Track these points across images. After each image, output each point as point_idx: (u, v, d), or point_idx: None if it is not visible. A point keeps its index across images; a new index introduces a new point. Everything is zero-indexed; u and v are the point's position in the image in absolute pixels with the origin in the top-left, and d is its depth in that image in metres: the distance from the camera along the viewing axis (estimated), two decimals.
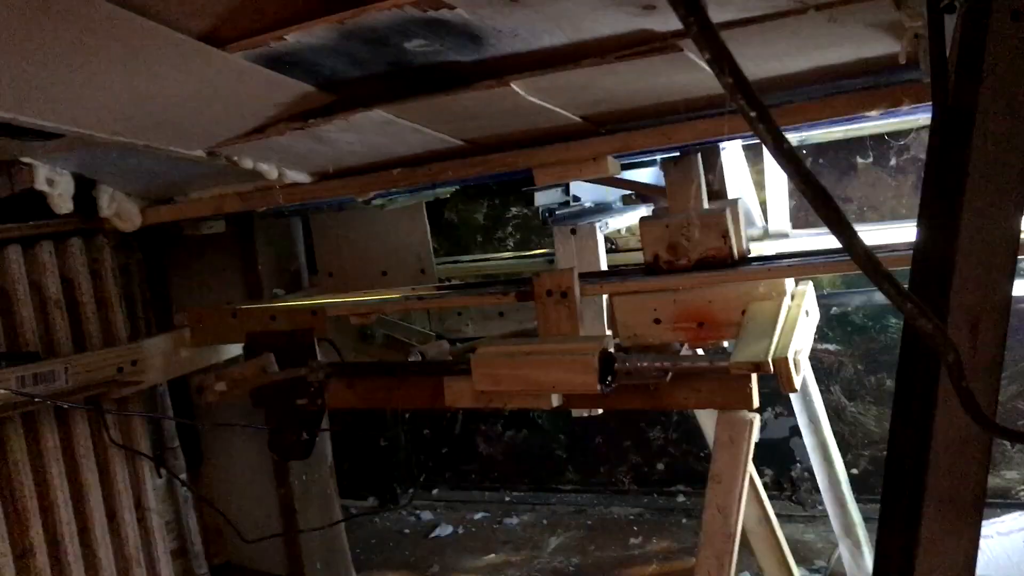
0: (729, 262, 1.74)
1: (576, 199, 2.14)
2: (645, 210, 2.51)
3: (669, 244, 1.77)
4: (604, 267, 2.07)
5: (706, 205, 1.85)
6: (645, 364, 1.68)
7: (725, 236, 1.74)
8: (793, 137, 2.19)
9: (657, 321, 1.78)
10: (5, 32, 1.22)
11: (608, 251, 2.41)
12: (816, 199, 0.65)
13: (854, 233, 0.67)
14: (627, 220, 2.39)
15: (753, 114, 0.59)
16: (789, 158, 0.62)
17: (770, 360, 1.55)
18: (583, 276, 1.88)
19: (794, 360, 1.60)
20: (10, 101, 1.45)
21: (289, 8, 1.31)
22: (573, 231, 2.05)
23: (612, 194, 2.48)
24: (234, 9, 1.29)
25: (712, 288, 1.74)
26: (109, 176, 2.09)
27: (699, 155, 1.83)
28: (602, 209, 2.37)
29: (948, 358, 0.82)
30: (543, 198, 2.14)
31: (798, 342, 1.66)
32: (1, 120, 1.50)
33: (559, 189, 2.15)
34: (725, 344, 1.84)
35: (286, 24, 1.32)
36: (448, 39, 1.36)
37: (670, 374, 1.68)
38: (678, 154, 1.82)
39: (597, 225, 2.05)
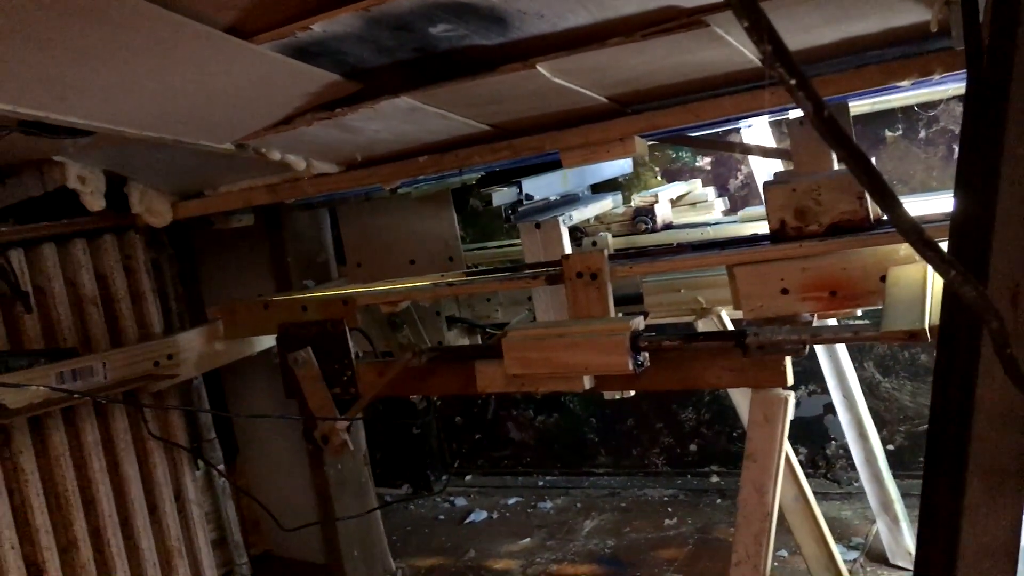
0: (866, 225, 1.62)
1: (529, 197, 2.16)
2: (611, 200, 2.53)
3: (797, 209, 1.65)
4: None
5: (835, 166, 1.75)
6: (781, 337, 1.58)
7: (861, 198, 1.62)
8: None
9: (784, 291, 1.67)
10: (35, 31, 1.24)
11: (578, 238, 2.46)
12: (858, 167, 0.64)
13: (897, 200, 0.67)
14: (594, 210, 2.41)
15: (792, 82, 0.59)
16: (830, 126, 0.61)
17: (927, 328, 1.43)
18: (613, 257, 1.88)
19: None
20: (41, 99, 1.47)
21: None
22: (537, 225, 2.08)
23: (578, 186, 2.48)
24: (259, 1, 1.30)
25: (846, 254, 1.61)
26: (139, 172, 2.11)
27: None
28: (568, 201, 2.40)
29: (992, 325, 0.81)
30: (500, 198, 2.15)
31: None
32: (32, 118, 1.52)
33: (514, 189, 2.15)
34: (859, 313, 1.76)
35: (311, 14, 1.33)
36: (473, 22, 1.36)
37: (808, 347, 1.59)
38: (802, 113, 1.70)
39: (560, 219, 2.07)
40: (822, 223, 1.64)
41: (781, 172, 1.90)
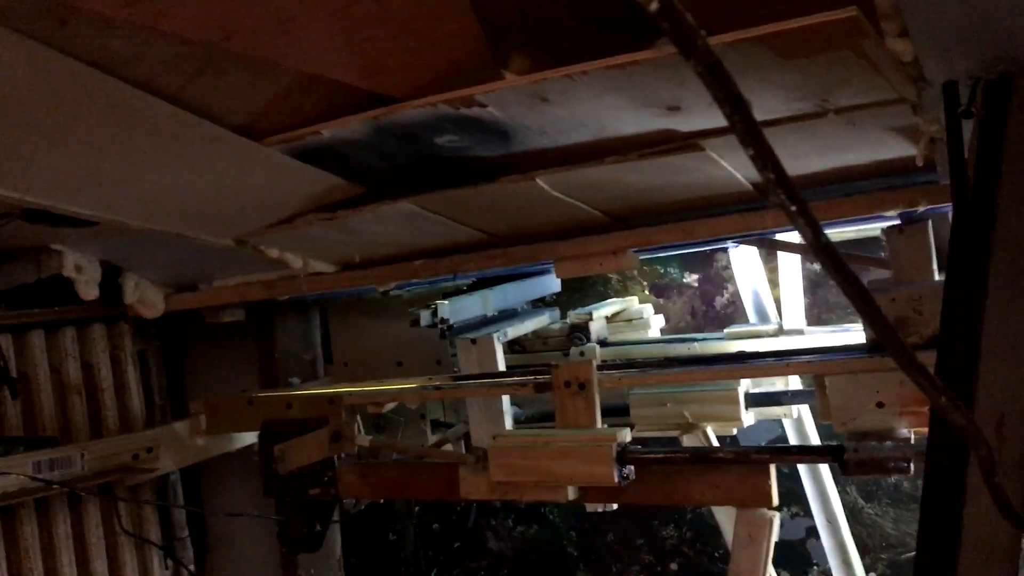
0: None
1: (444, 321, 2.21)
2: (548, 315, 2.58)
3: (897, 319, 1.61)
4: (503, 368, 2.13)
5: (936, 276, 1.73)
6: (883, 455, 1.52)
7: None
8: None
9: (880, 405, 1.60)
10: (46, 120, 1.27)
11: (516, 352, 2.50)
12: (854, 294, 0.66)
13: (891, 327, 0.69)
14: (530, 325, 2.45)
15: (793, 208, 0.61)
16: (828, 253, 0.63)
17: None
18: (600, 367, 1.89)
19: None
20: (47, 188, 1.49)
21: (324, 103, 1.36)
22: (473, 341, 2.13)
23: (500, 307, 2.51)
24: (273, 103, 1.34)
25: None
26: (136, 263, 2.13)
27: (929, 222, 1.70)
28: (506, 316, 2.46)
29: (981, 452, 0.82)
30: (425, 319, 2.17)
31: None
32: (38, 207, 1.54)
33: (429, 312, 2.18)
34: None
35: (320, 118, 1.37)
36: (477, 135, 1.40)
37: (911, 464, 1.52)
38: (899, 221, 1.71)
39: (495, 335, 2.14)
40: (923, 334, 1.59)
41: (878, 280, 1.85)
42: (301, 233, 1.77)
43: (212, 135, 1.35)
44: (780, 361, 1.78)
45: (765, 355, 1.90)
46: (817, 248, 0.64)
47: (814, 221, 0.63)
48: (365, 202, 1.66)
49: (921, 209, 1.55)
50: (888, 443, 1.55)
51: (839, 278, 0.65)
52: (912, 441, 1.60)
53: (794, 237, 2.27)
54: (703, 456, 1.70)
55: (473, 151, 1.48)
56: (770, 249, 2.46)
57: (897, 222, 1.71)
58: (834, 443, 1.64)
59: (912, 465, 1.50)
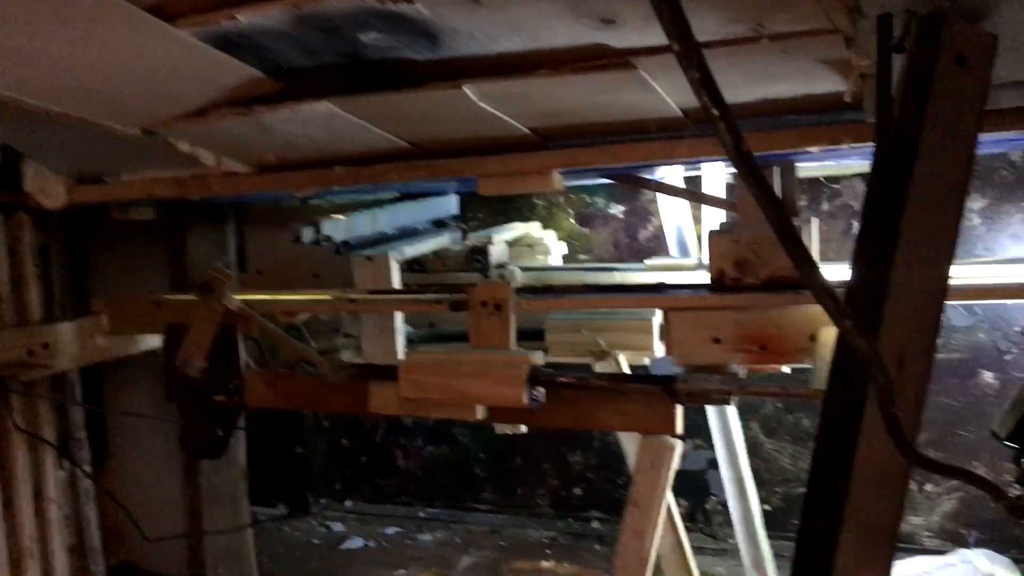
0: (801, 284, 1.63)
1: (327, 239, 2.18)
2: (448, 237, 2.57)
3: (737, 260, 1.67)
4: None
5: None
6: (710, 387, 1.58)
7: None
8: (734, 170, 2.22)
9: (716, 341, 1.68)
10: None
11: (416, 271, 2.48)
12: (766, 203, 0.65)
13: (800, 239, 0.68)
14: (431, 245, 2.44)
15: (716, 112, 0.59)
16: (747, 161, 0.62)
17: None
18: (519, 291, 1.88)
19: None
20: None
21: None
22: (369, 258, 2.12)
23: (391, 226, 2.49)
24: None
25: (781, 310, 1.63)
26: (37, 149, 2.01)
27: (774, 168, 1.74)
28: (405, 235, 2.45)
29: (879, 380, 0.83)
30: (306, 236, 2.16)
31: None
32: None
33: (312, 228, 2.16)
34: (787, 370, 1.74)
35: (239, 4, 1.30)
36: (405, 35, 1.34)
37: (735, 399, 1.60)
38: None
39: (391, 254, 2.13)
40: (759, 276, 1.66)
41: (726, 222, 1.89)
42: (214, 127, 1.69)
43: (120, 10, 1.26)
44: (695, 293, 1.79)
45: (681, 287, 1.92)
46: (736, 156, 0.63)
47: (734, 127, 0.61)
48: (284, 100, 1.59)
49: (845, 147, 1.55)
50: (715, 376, 1.61)
51: (753, 186, 0.64)
52: (742, 377, 1.68)
53: (719, 191, 2.30)
54: (551, 380, 1.70)
55: (401, 52, 1.43)
56: (695, 201, 2.46)
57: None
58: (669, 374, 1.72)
59: (735, 398, 1.59)
